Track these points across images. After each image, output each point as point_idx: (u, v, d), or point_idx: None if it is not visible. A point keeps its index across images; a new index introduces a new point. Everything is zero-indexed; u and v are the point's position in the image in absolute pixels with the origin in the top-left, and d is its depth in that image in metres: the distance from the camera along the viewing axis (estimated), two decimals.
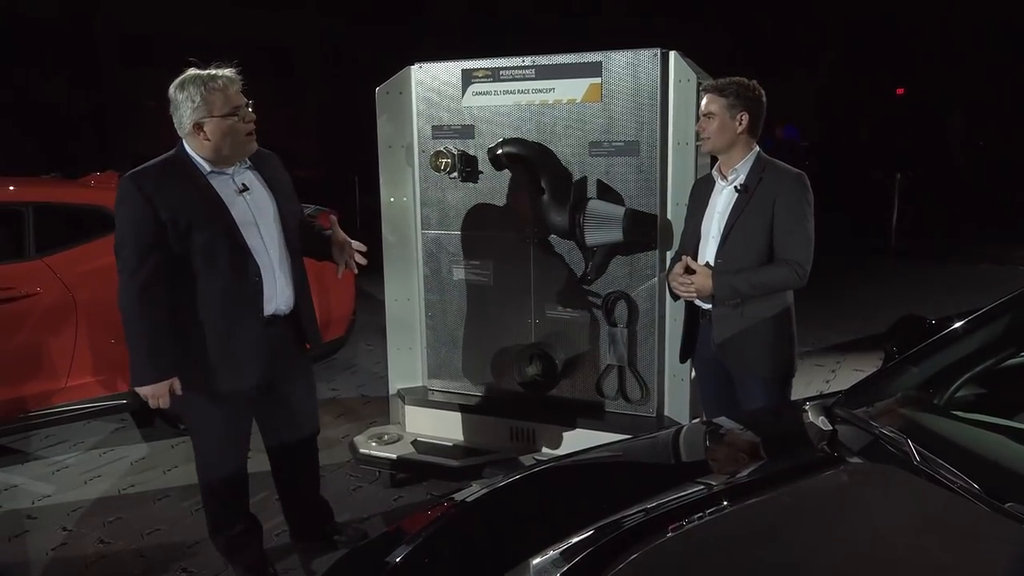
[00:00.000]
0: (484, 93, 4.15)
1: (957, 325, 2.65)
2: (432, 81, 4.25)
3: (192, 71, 2.99)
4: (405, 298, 4.58)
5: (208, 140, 2.97)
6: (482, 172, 4.21)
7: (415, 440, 4.45)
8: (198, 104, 2.93)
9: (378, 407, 5.43)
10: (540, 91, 4.06)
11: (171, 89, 2.98)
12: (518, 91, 4.09)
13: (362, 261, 3.37)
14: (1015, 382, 2.62)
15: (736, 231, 3.22)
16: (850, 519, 1.96)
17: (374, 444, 4.43)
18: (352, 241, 3.36)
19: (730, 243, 3.24)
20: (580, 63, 3.97)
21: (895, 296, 8.82)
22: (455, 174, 4.15)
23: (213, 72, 2.98)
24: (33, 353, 4.51)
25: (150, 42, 18.09)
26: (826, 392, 4.25)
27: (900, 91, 21.11)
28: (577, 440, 4.10)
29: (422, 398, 4.55)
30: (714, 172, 3.37)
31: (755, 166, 3.25)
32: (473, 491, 2.37)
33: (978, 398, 2.51)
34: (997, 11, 17.61)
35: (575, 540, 1.90)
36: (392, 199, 4.46)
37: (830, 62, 21.99)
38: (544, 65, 4.04)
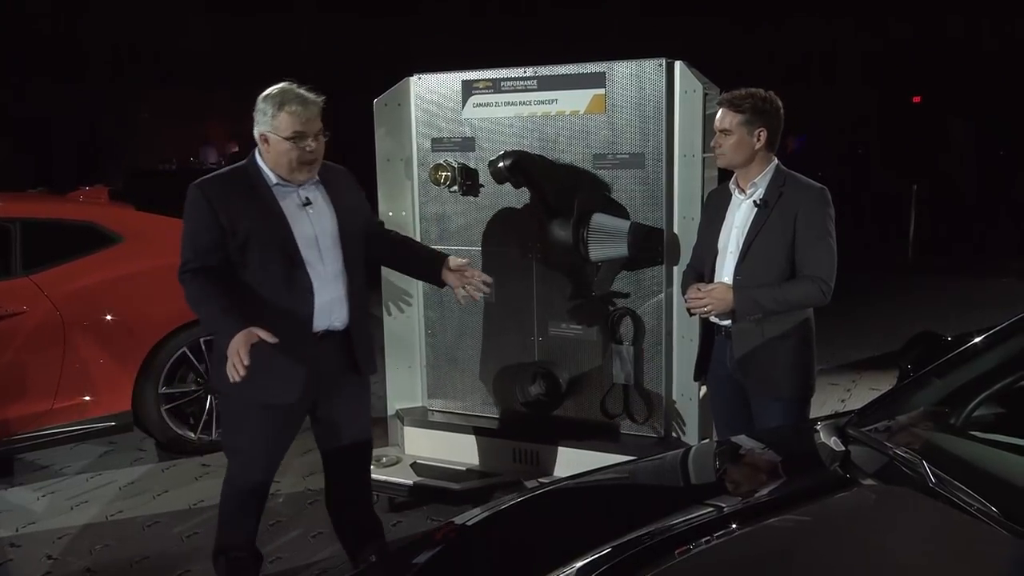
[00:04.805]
0: (485, 105, 4.09)
1: (975, 341, 2.65)
2: (431, 93, 4.19)
3: (284, 85, 3.04)
4: (404, 315, 4.49)
5: (268, 154, 3.05)
6: (483, 186, 4.13)
7: (414, 462, 4.36)
8: (268, 118, 3.00)
9: (376, 428, 5.30)
10: (542, 102, 3.99)
11: (261, 95, 3.06)
12: (520, 102, 4.03)
13: (485, 291, 3.33)
14: None
15: (756, 247, 3.15)
16: (862, 543, 1.92)
17: (372, 467, 4.32)
18: (477, 272, 3.34)
19: (749, 259, 3.16)
20: (583, 74, 3.91)
21: (913, 312, 8.67)
22: (455, 188, 4.09)
23: (297, 93, 3.01)
24: (18, 374, 4.43)
25: (143, 55, 18.14)
26: (841, 411, 4.16)
27: (917, 99, 20.92)
28: (582, 461, 3.97)
29: (421, 419, 4.46)
30: (731, 185, 3.30)
31: (775, 180, 3.19)
32: (475, 515, 2.35)
33: (997, 418, 2.47)
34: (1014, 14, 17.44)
35: (579, 564, 1.86)
36: (391, 213, 4.38)
37: (847, 69, 21.88)
38: (546, 76, 3.98)
